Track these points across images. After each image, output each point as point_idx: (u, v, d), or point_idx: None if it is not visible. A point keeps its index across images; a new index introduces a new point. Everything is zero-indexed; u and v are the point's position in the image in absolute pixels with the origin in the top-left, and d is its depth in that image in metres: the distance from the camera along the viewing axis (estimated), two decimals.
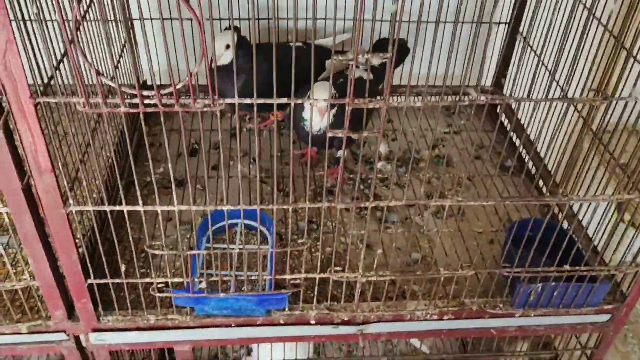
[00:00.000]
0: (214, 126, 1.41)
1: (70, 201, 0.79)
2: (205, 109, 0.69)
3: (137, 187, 0.78)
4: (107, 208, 0.80)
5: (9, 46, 0.63)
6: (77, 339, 0.96)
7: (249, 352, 1.41)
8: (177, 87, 0.67)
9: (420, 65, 1.44)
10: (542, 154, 1.28)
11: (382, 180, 1.30)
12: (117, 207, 0.80)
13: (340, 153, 1.24)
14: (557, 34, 0.77)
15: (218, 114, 0.71)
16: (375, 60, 0.87)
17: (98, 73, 0.65)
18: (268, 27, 1.43)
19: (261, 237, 1.05)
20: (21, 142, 0.71)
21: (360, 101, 0.70)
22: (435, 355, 1.51)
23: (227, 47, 1.18)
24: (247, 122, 1.43)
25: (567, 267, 0.92)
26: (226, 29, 1.27)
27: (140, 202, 0.79)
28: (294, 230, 1.13)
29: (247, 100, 0.70)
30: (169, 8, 1.32)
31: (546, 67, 1.15)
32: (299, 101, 0.72)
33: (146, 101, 0.68)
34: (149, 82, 1.40)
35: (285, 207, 0.81)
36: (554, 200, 0.87)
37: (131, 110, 0.69)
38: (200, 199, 1.21)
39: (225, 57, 1.18)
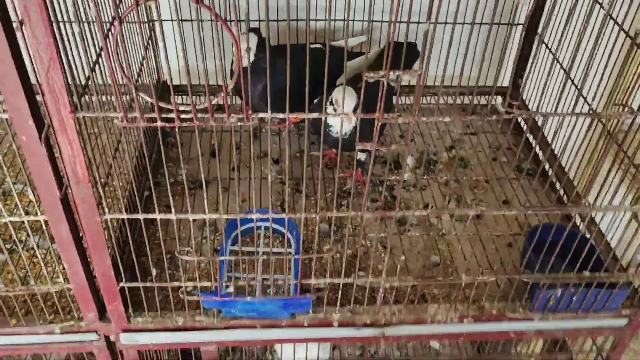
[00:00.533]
0: (234, 128, 1.43)
1: (106, 209, 0.81)
2: (239, 123, 0.71)
3: (169, 195, 0.80)
4: (140, 216, 0.83)
5: (52, 64, 0.65)
6: (107, 339, 0.99)
7: (271, 350, 1.44)
8: (212, 102, 0.69)
9: (437, 67, 1.45)
10: (559, 157, 1.29)
11: (398, 182, 1.32)
12: (150, 215, 0.83)
13: (360, 155, 1.26)
14: (573, 35, 0.77)
15: (251, 128, 0.73)
16: (406, 77, 0.88)
17: (137, 89, 0.67)
18: (288, 28, 1.45)
19: (285, 240, 1.08)
20: (60, 155, 0.73)
21: (389, 116, 0.72)
22: (450, 357, 1.54)
23: (248, 49, 1.20)
24: (266, 122, 1.45)
25: (586, 273, 0.94)
26: (247, 31, 1.29)
27: (173, 210, 0.81)
28: (315, 233, 1.15)
29: (280, 115, 0.72)
30: (189, 10, 1.34)
31: (564, 68, 1.16)
32: (330, 115, 0.74)
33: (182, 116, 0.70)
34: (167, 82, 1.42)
35: (313, 216, 0.83)
36: (577, 210, 0.88)
37: (168, 125, 0.71)
38: (224, 200, 1.23)
39: (245, 59, 1.20)
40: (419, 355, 1.67)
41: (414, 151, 1.40)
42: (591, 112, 0.78)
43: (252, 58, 1.21)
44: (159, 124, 0.71)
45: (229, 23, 0.61)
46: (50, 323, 0.96)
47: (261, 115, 0.71)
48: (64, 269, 0.86)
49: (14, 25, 0.63)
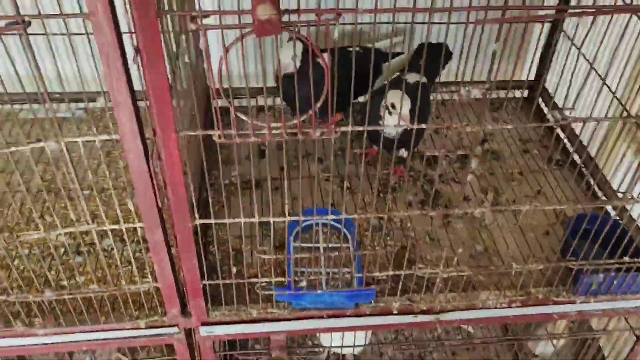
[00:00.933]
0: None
1: (196, 215, 0.90)
2: (324, 137, 0.79)
3: (253, 200, 0.88)
4: (227, 221, 0.91)
5: (165, 94, 0.73)
6: (187, 332, 1.08)
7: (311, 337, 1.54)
8: (301, 119, 0.77)
9: (466, 64, 1.52)
10: (589, 149, 1.38)
11: (439, 176, 1.40)
12: (236, 220, 0.91)
13: (402, 152, 1.34)
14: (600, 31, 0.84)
15: (333, 141, 0.81)
16: (475, 92, 0.96)
17: (236, 110, 0.75)
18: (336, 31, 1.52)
19: (341, 235, 1.17)
20: (161, 169, 0.82)
21: (458, 125, 0.80)
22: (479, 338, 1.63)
23: (294, 57, 1.28)
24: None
25: (626, 258, 1.03)
26: (290, 39, 1.36)
27: (242, 214, 0.89)
28: (366, 227, 1.24)
29: (359, 128, 0.80)
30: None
31: (592, 65, 1.24)
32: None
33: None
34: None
35: (382, 215, 0.92)
36: (613, 204, 0.97)
37: (260, 140, 0.79)
38: (277, 199, 1.31)
39: (292, 66, 1.28)
40: (451, 337, 1.77)
41: (450, 146, 1.48)
42: (628, 115, 0.87)
43: (298, 64, 1.28)
44: (252, 139, 0.79)
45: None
46: (137, 319, 1.05)
47: (344, 129, 0.79)
48: (145, 270, 0.94)
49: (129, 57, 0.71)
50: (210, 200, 0.94)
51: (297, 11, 0.64)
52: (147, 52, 0.67)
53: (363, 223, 1.25)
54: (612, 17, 0.75)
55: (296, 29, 0.68)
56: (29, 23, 0.63)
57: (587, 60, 0.96)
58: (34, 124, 1.42)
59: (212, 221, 0.91)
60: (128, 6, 0.64)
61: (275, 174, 1.38)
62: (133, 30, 0.66)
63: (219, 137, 0.78)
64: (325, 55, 0.73)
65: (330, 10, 0.65)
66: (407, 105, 1.10)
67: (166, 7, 0.80)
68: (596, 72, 0.99)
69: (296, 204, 1.30)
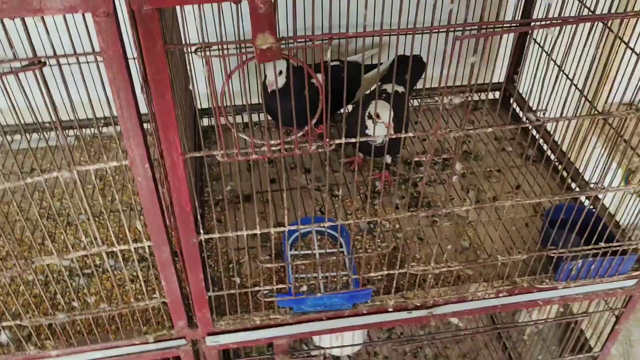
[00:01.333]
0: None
1: (201, 230, 0.95)
2: (319, 150, 0.85)
3: (255, 211, 0.93)
4: (230, 234, 0.96)
5: (171, 120, 0.78)
6: (193, 342, 1.13)
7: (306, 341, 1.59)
8: (299, 135, 0.83)
9: (440, 70, 1.60)
10: (562, 145, 1.46)
11: (422, 179, 1.47)
12: (239, 233, 0.96)
13: (387, 158, 1.40)
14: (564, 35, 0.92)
15: (327, 153, 0.87)
16: (456, 100, 1.02)
17: (237, 131, 0.81)
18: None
19: (335, 242, 1.23)
20: (168, 189, 0.87)
21: (442, 131, 0.87)
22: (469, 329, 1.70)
23: (280, 73, 1.34)
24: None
25: (602, 244, 1.11)
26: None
27: (244, 226, 0.95)
28: (357, 231, 1.30)
29: (352, 140, 0.86)
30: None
31: (556, 63, 1.33)
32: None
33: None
34: (202, 106, 1.55)
35: (372, 220, 0.98)
36: (588, 194, 1.05)
37: (260, 157, 0.84)
38: (267, 212, 1.37)
39: (279, 82, 1.33)
40: (442, 331, 1.84)
41: (433, 149, 1.55)
42: (597, 112, 0.95)
43: (284, 80, 1.34)
44: (253, 157, 0.84)
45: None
46: (146, 334, 1.09)
47: (337, 141, 0.86)
48: (151, 286, 0.98)
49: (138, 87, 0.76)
50: (211, 215, 0.99)
51: (294, 38, 0.70)
52: (155, 83, 0.73)
53: (355, 228, 1.31)
54: (577, 25, 0.83)
55: (292, 54, 0.74)
56: (45, 63, 0.67)
57: (556, 63, 1.04)
58: (26, 154, 1.45)
59: (216, 235, 0.96)
60: (136, 40, 0.69)
61: (265, 187, 1.43)
62: (141, 63, 0.71)
63: (222, 156, 0.84)
64: (320, 75, 0.79)
65: (322, 35, 0.71)
66: (389, 114, 1.17)
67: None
68: (566, 75, 1.07)
69: (290, 214, 1.36)
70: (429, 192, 1.43)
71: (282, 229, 0.95)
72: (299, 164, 1.49)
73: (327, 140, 0.85)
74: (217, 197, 1.40)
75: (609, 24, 1.06)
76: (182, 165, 0.84)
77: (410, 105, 1.61)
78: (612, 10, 0.89)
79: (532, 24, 0.77)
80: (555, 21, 0.75)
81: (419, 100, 1.64)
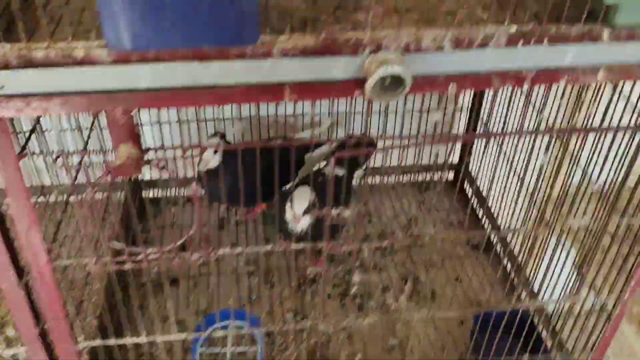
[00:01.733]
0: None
1: (82, 337, 0.88)
2: (200, 260, 0.80)
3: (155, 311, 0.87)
4: (112, 342, 0.90)
5: (32, 226, 0.73)
6: None
7: None
8: (178, 243, 0.78)
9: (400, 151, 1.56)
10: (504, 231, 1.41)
11: (360, 266, 1.41)
12: (122, 341, 0.90)
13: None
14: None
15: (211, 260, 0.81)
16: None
17: (110, 239, 0.76)
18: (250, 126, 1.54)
19: (252, 337, 1.16)
20: (38, 299, 0.81)
21: (336, 243, 0.81)
22: None
23: (215, 152, 1.30)
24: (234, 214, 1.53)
25: (526, 356, 1.04)
26: (213, 135, 1.38)
27: (158, 333, 0.88)
28: (282, 326, 1.23)
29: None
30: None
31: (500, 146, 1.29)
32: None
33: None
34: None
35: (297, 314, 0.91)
36: (532, 305, 0.99)
37: (137, 267, 0.79)
38: (193, 297, 1.30)
39: (214, 161, 1.29)
40: None
41: (373, 233, 1.49)
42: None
43: (218, 160, 1.30)
44: (128, 266, 0.79)
45: None
46: None
47: (220, 252, 0.80)
48: None
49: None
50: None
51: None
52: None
53: (279, 320, 1.24)
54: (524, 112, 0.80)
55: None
56: None
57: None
58: None
59: (98, 343, 0.90)
60: None
61: (203, 270, 1.37)
62: None
63: (94, 264, 0.78)
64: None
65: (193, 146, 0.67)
66: (303, 202, 1.12)
67: None
68: (512, 165, 1.03)
69: (214, 303, 1.29)
70: (363, 279, 1.37)
71: (169, 337, 0.88)
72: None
73: (212, 248, 0.79)
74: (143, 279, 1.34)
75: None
76: (51, 273, 0.78)
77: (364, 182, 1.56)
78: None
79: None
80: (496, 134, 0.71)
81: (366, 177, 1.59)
